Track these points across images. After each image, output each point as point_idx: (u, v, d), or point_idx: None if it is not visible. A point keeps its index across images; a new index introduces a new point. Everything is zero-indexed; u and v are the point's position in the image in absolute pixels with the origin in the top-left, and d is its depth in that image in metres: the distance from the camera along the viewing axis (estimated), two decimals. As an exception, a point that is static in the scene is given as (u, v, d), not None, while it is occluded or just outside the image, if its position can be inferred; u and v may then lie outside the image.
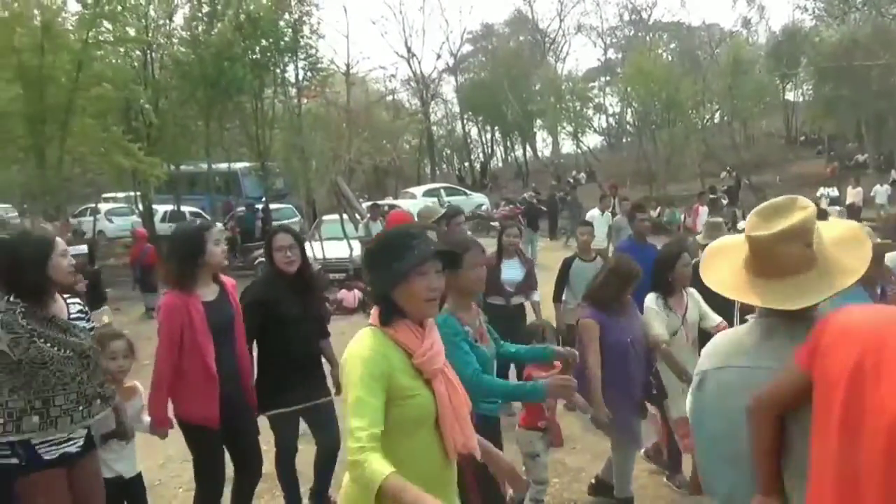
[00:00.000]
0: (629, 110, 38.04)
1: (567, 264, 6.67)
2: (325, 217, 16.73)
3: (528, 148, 43.47)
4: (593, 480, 4.77)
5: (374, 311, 2.37)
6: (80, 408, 3.10)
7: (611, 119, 42.85)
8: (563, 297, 6.63)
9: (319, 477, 4.41)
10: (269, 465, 4.27)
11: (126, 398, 3.64)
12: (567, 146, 41.11)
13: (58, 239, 3.14)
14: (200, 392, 3.66)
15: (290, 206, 23.36)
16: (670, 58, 39.70)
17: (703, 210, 14.46)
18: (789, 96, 38.36)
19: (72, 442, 3.13)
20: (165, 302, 3.69)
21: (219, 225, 4.02)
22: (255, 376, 4.12)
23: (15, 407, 2.95)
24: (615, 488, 4.39)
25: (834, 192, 20.53)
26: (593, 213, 11.71)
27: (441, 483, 2.35)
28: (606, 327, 4.23)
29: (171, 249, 3.84)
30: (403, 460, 2.19)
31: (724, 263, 2.13)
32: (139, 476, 3.82)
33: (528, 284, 6.31)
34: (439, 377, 2.34)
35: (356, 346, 2.28)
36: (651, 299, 4.56)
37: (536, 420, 4.19)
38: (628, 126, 40.21)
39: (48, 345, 2.98)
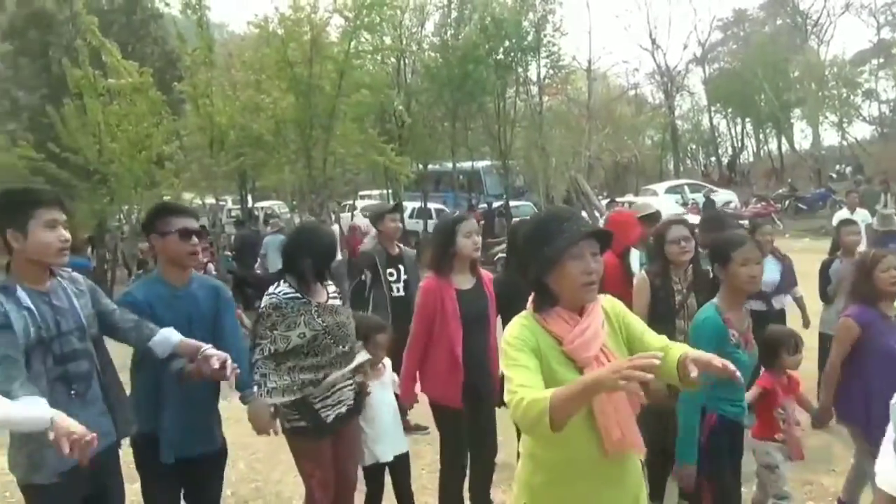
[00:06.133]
0: (907, 95, 33.68)
1: (826, 265, 6.12)
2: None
3: (783, 140, 40.10)
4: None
5: (531, 298, 2.29)
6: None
7: (883, 106, 38.18)
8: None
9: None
10: (505, 455, 4.38)
11: (378, 377, 3.95)
12: (830, 137, 37.36)
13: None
14: (444, 377, 3.89)
15: (528, 203, 23.70)
16: (962, 33, 34.53)
17: None
18: None
19: (342, 405, 3.51)
20: (424, 285, 4.01)
21: (473, 219, 4.33)
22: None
23: (304, 378, 3.39)
24: None
25: None
26: (840, 215, 10.50)
27: (602, 479, 2.20)
28: (875, 329, 3.73)
29: (430, 238, 4.21)
30: (556, 448, 2.15)
31: None
32: (404, 457, 4.03)
33: (787, 282, 5.99)
34: (593, 365, 2.13)
35: (509, 328, 2.23)
36: None
37: (771, 432, 3.82)
38: (905, 113, 35.65)
39: (328, 338, 3.44)
